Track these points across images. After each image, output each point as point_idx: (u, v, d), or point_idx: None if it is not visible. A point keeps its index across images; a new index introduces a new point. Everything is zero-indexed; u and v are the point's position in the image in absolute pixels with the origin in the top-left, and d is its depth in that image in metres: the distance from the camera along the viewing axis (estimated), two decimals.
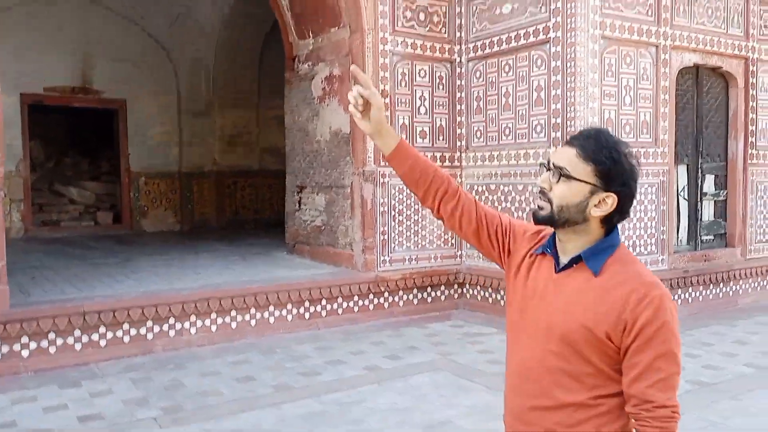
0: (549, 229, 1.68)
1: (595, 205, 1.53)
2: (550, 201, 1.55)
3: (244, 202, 12.56)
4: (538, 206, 1.59)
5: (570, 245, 1.59)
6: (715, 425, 4.08)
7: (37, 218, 11.24)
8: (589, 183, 1.52)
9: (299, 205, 8.33)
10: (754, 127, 7.77)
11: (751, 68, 7.64)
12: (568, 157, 1.54)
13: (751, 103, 7.71)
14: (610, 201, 1.53)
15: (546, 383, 1.56)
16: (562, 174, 1.53)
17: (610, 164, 1.51)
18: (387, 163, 1.83)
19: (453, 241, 7.59)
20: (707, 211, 7.71)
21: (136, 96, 11.57)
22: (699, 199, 7.57)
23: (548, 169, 1.56)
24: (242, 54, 12.04)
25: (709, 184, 7.68)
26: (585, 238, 1.57)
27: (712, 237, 7.74)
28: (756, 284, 7.89)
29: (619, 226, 1.62)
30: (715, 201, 7.76)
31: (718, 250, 7.67)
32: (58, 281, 6.56)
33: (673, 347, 1.46)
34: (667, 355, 1.45)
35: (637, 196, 6.47)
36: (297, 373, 5.17)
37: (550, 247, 1.64)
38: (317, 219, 7.95)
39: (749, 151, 7.76)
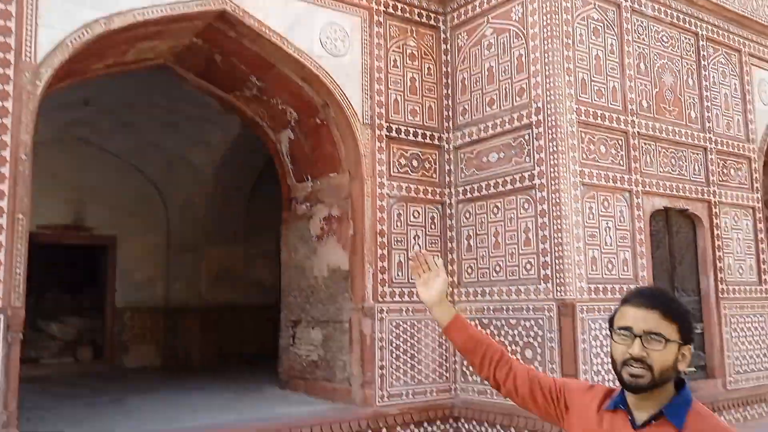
0: (601, 385, 1.80)
1: (679, 361, 1.61)
2: (650, 367, 1.56)
3: (229, 337, 12.51)
4: (634, 375, 1.58)
5: (649, 402, 1.61)
6: None
7: None
8: (678, 342, 1.59)
9: (294, 340, 8.46)
10: (722, 264, 8.38)
11: (713, 210, 8.38)
12: (655, 321, 1.58)
13: (716, 242, 8.36)
14: (688, 353, 1.62)
15: None
16: (666, 340, 1.57)
17: (687, 321, 1.63)
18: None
19: (447, 375, 7.75)
20: None
21: (126, 233, 11.85)
22: None
23: (636, 336, 1.58)
24: (232, 194, 12.55)
25: None
26: (664, 393, 1.61)
27: (694, 368, 8.07)
28: (739, 415, 8.14)
29: None
30: None
31: (701, 382, 7.98)
32: (56, 422, 6.45)
33: None
34: None
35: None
36: None
37: (624, 404, 1.66)
38: (313, 354, 8.07)
39: (719, 287, 8.31)
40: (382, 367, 7.28)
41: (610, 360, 1.68)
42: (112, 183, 11.68)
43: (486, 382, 1.90)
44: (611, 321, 1.66)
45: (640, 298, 1.62)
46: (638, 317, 1.58)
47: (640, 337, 1.57)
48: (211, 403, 7.49)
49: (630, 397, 1.63)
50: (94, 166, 11.54)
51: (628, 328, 1.59)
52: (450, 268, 7.98)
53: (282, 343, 8.71)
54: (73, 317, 12.41)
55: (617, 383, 1.70)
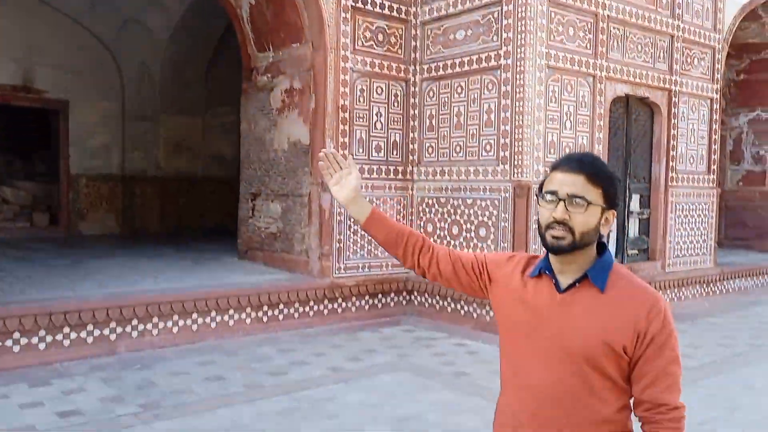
0: (522, 253, 1.81)
1: (602, 225, 1.61)
2: (571, 230, 1.57)
3: (188, 208, 12.54)
4: (556, 236, 1.58)
5: (573, 266, 1.62)
6: None
7: None
8: (602, 206, 1.59)
9: (253, 212, 8.53)
10: (674, 153, 8.61)
11: (673, 99, 8.48)
12: (580, 185, 1.58)
13: (672, 131, 8.54)
14: (611, 218, 1.61)
15: (570, 406, 1.58)
16: (588, 203, 1.57)
17: (613, 186, 1.61)
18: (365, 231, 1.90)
19: None
20: (633, 228, 8.46)
21: (80, 98, 11.42)
22: (626, 217, 8.31)
23: (560, 200, 1.58)
24: (190, 62, 12.09)
25: (635, 203, 8.44)
26: (586, 257, 1.62)
27: (636, 251, 8.50)
28: (673, 294, 8.70)
29: None
30: (639, 219, 8.52)
31: (642, 263, 8.43)
32: (13, 282, 6.51)
33: (678, 352, 1.58)
34: (676, 360, 1.57)
35: None
36: (265, 373, 5.41)
37: (548, 269, 1.66)
38: (272, 226, 8.18)
39: (670, 174, 8.58)
40: (339, 241, 7.46)
41: (536, 225, 1.72)
42: (63, 44, 11.09)
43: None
44: (540, 187, 1.67)
45: (568, 163, 1.61)
46: (564, 181, 1.59)
47: (564, 200, 1.57)
48: (170, 270, 7.62)
49: (554, 262, 1.64)
50: (44, 25, 10.89)
51: (553, 192, 1.59)
52: (411, 146, 8.01)
53: (241, 215, 8.78)
54: (26, 182, 12.17)
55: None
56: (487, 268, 1.82)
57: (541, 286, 1.66)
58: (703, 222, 9.18)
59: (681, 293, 8.84)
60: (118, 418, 4.34)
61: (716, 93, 9.17)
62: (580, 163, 1.60)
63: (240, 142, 8.89)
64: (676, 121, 8.56)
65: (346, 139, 7.47)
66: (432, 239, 7.71)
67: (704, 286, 9.21)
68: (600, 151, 7.51)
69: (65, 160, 11.47)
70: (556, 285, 1.64)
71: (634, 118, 8.26)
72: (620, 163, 8.15)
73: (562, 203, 1.57)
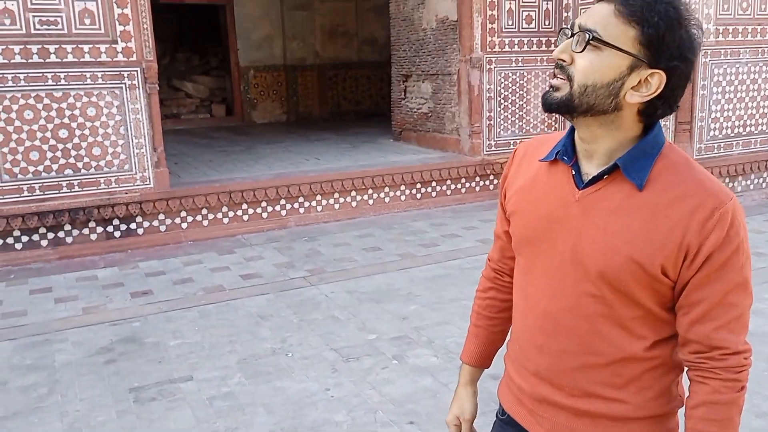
0: (539, 136, 1.34)
1: (632, 87, 1.07)
2: (570, 78, 1.09)
3: (345, 94, 13.03)
4: (552, 86, 1.12)
5: (598, 147, 1.14)
6: None
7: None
8: (630, 53, 1.05)
9: (405, 94, 8.71)
10: None
11: None
12: (601, 17, 1.06)
13: None
14: (656, 81, 1.06)
15: (584, 336, 1.17)
16: (591, 39, 1.05)
17: (664, 27, 1.03)
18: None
19: (556, 125, 7.82)
20: None
21: None
22: None
23: (572, 35, 1.09)
24: None
25: None
26: (616, 135, 1.12)
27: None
28: None
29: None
30: None
31: None
32: (198, 166, 7.38)
33: (748, 275, 1.11)
34: (742, 285, 1.10)
35: (752, 75, 6.52)
36: (417, 245, 5.79)
37: (567, 154, 1.18)
38: (423, 106, 8.33)
39: None
40: (489, 118, 7.46)
41: None
42: None
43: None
44: None
45: None
46: (590, 11, 1.09)
47: (575, 35, 1.08)
48: (330, 152, 8.15)
49: (579, 142, 1.17)
50: None
51: (571, 26, 1.10)
52: (565, 14, 7.59)
53: (394, 96, 9.01)
54: (203, 77, 13.27)
55: None
56: (505, 188, 1.33)
57: (555, 177, 1.20)
58: None
59: None
60: (290, 280, 4.96)
61: None
62: None
63: (390, 23, 8.96)
64: None
65: (495, 12, 7.25)
66: None
67: None
68: None
69: (234, 53, 12.27)
70: (577, 177, 1.16)
71: None
72: None
73: (570, 40, 1.09)
